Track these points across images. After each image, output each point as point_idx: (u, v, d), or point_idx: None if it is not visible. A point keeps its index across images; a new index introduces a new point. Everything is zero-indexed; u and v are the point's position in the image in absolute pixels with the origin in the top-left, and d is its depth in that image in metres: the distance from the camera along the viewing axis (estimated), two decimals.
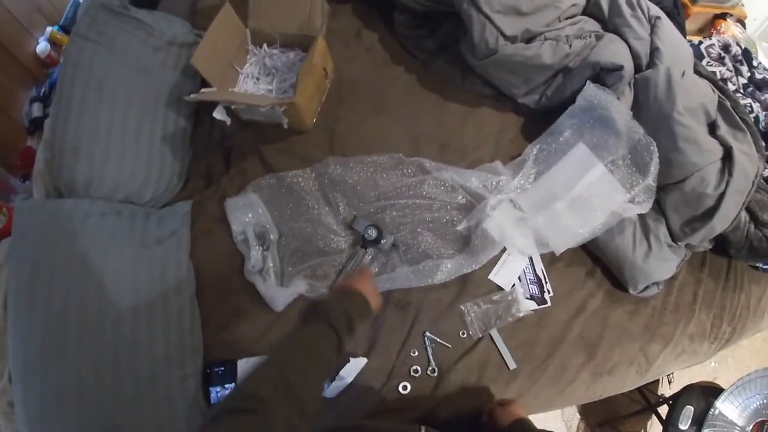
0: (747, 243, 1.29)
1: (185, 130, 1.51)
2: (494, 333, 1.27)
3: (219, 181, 1.46)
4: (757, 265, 1.39)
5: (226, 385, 1.25)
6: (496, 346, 1.27)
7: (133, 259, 1.26)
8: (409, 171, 1.42)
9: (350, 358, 1.23)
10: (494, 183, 1.35)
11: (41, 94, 1.70)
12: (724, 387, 1.44)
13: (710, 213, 1.22)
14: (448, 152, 1.46)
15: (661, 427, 1.55)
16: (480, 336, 1.27)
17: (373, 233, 1.32)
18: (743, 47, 1.53)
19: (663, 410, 1.61)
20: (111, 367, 1.13)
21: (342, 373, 1.22)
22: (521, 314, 1.27)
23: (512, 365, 1.25)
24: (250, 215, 1.38)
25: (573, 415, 1.93)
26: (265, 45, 1.54)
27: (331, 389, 1.21)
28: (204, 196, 1.44)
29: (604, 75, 1.33)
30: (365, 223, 1.35)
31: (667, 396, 1.59)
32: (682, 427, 1.39)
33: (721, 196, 1.20)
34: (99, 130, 1.33)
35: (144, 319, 1.20)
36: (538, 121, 1.46)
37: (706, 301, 1.34)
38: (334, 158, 1.43)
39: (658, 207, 1.30)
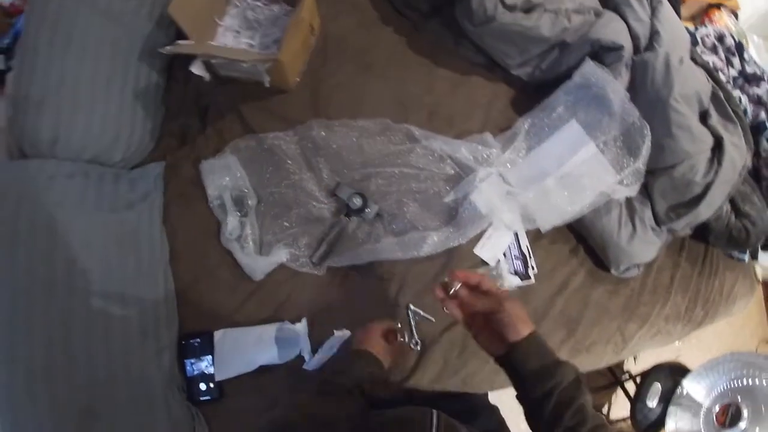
0: (727, 232, 1.33)
1: (158, 86, 1.43)
2: None
3: (194, 142, 1.40)
4: (732, 253, 1.44)
5: (202, 357, 1.23)
6: None
7: (103, 225, 1.20)
8: (397, 138, 1.39)
9: (334, 331, 1.22)
10: (484, 155, 1.34)
11: (4, 46, 1.57)
12: (687, 366, 1.51)
13: (697, 200, 1.25)
14: (437, 120, 1.43)
15: (625, 401, 1.61)
16: None
17: (357, 201, 1.30)
18: (737, 39, 1.54)
19: (629, 386, 1.68)
20: (83, 343, 1.09)
21: (325, 345, 1.21)
22: (506, 288, 1.27)
23: None
24: (228, 179, 1.33)
25: None
26: None
27: (315, 361, 1.21)
28: (177, 157, 1.38)
29: (602, 53, 1.32)
30: (349, 190, 1.32)
31: (633, 373, 1.65)
32: (650, 403, 1.46)
33: (709, 185, 1.23)
34: (65, 82, 1.24)
35: (116, 290, 1.16)
36: (530, 94, 1.45)
37: (683, 284, 1.39)
38: (317, 121, 1.38)
39: (645, 191, 1.32)
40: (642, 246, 1.28)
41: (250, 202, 1.32)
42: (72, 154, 1.26)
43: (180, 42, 1.31)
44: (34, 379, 1.03)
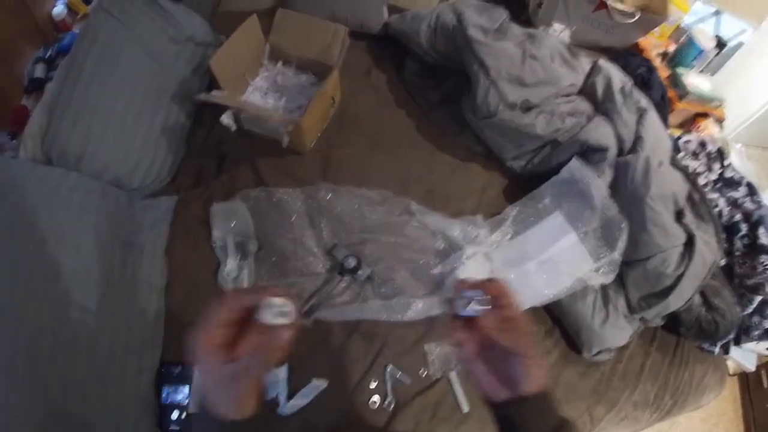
0: (697, 324, 1.43)
1: (184, 127, 1.59)
2: (452, 375, 1.35)
3: (208, 184, 1.53)
4: (703, 345, 1.53)
5: (179, 386, 1.26)
6: (453, 389, 1.34)
7: (110, 243, 1.29)
8: (396, 209, 1.53)
9: (312, 379, 1.28)
10: (473, 235, 1.47)
11: (47, 56, 1.73)
12: None
13: (667, 291, 1.36)
14: (434, 198, 1.57)
15: None
16: (439, 376, 1.34)
17: (352, 262, 1.40)
18: (718, 146, 1.72)
19: None
20: (68, 348, 1.12)
21: (300, 393, 1.26)
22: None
23: (465, 408, 1.32)
24: (234, 223, 1.44)
25: None
26: (280, 62, 1.63)
27: (289, 407, 1.25)
28: (190, 195, 1.50)
29: (589, 153, 1.49)
30: (345, 252, 1.43)
31: None
32: None
33: (679, 278, 1.35)
34: (102, 105, 1.39)
35: (111, 305, 1.22)
36: (521, 184, 1.61)
37: (653, 372, 1.47)
38: (325, 184, 1.51)
39: (620, 280, 1.44)
40: (614, 331, 1.38)
41: (251, 247, 1.42)
42: (95, 171, 1.38)
43: (215, 92, 1.47)
44: (14, 373, 1.05)
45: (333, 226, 1.48)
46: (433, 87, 1.71)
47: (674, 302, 1.37)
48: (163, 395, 1.26)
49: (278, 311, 0.58)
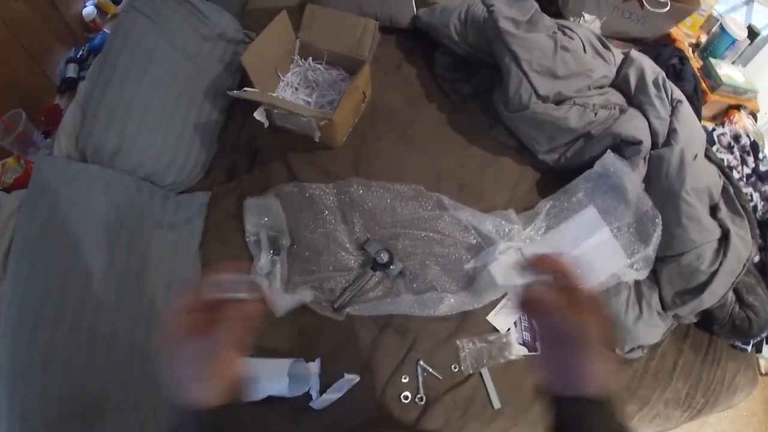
0: (730, 321, 1.43)
1: (217, 123, 1.62)
2: (484, 371, 1.37)
3: (240, 179, 1.56)
4: (735, 343, 1.53)
5: None
6: (485, 385, 1.36)
7: (145, 239, 1.34)
8: (428, 204, 1.54)
9: (345, 374, 1.31)
10: (506, 230, 1.48)
11: (78, 56, 1.79)
12: None
13: (701, 288, 1.36)
14: (466, 193, 1.59)
15: None
16: (471, 372, 1.36)
17: (384, 257, 1.43)
18: (752, 139, 1.71)
19: None
20: (106, 339, 1.16)
21: (333, 387, 1.29)
22: (513, 357, 1.38)
23: (497, 405, 1.34)
24: (267, 218, 1.48)
25: None
26: (310, 58, 1.66)
27: (320, 401, 1.28)
28: (223, 190, 1.54)
29: (623, 146, 1.49)
30: (378, 246, 1.45)
31: None
32: None
33: (714, 274, 1.35)
34: (136, 103, 1.43)
35: (146, 300, 1.25)
36: (554, 178, 1.62)
37: (685, 371, 1.47)
38: (357, 179, 1.54)
39: (654, 276, 1.44)
40: (647, 329, 1.38)
41: (284, 242, 1.46)
42: (129, 167, 1.43)
43: (248, 89, 1.50)
44: (53, 359, 1.09)
45: (365, 221, 1.51)
46: (464, 80, 1.73)
47: (708, 299, 1.37)
48: None
49: (231, 285, 0.59)
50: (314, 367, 1.32)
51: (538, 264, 0.61)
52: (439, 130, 1.69)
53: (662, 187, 1.43)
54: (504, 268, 1.42)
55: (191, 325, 0.57)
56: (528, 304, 0.62)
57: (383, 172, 1.57)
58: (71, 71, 1.74)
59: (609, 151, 1.47)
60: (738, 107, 2.03)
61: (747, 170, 1.68)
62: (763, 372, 1.68)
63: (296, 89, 1.67)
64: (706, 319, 1.48)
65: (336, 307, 1.39)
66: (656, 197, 1.42)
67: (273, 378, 1.29)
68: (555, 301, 0.58)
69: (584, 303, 0.58)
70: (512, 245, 1.44)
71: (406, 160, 1.62)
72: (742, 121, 1.98)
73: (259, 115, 1.47)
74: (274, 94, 1.64)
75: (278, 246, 1.45)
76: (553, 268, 0.60)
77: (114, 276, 1.23)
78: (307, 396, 1.30)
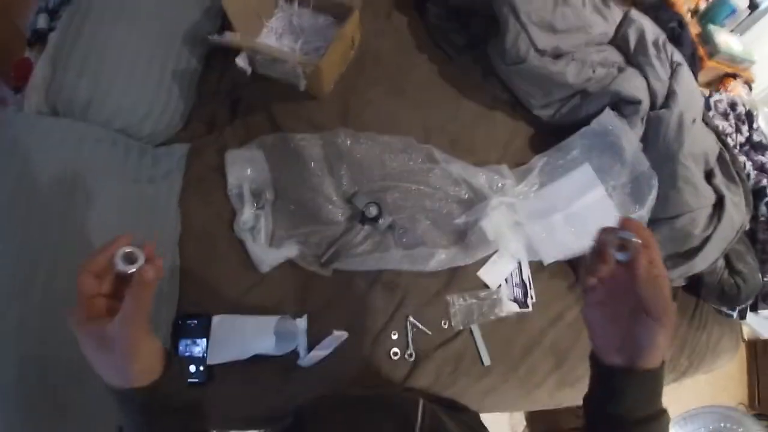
0: (719, 287, 1.46)
1: (196, 71, 1.54)
2: (474, 328, 1.37)
3: (221, 131, 1.50)
4: (722, 309, 1.56)
5: (197, 340, 1.27)
6: (474, 341, 1.36)
7: (122, 194, 1.28)
8: (418, 157, 1.51)
9: (333, 331, 1.28)
10: (499, 185, 1.46)
11: (49, 6, 1.65)
12: None
13: (693, 252, 1.38)
14: (458, 148, 1.55)
15: None
16: (461, 328, 1.36)
17: (373, 211, 1.39)
18: (747, 108, 1.70)
19: None
20: None
21: (320, 344, 1.26)
22: (503, 314, 1.38)
23: (487, 361, 1.35)
24: (250, 171, 1.43)
25: (520, 421, 2.10)
26: (296, 3, 1.58)
27: (308, 359, 1.27)
28: (203, 142, 1.48)
29: (621, 105, 1.48)
30: (366, 199, 1.42)
31: None
32: None
33: (707, 239, 1.37)
34: (110, 50, 1.34)
35: None
36: (548, 134, 1.59)
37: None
38: (345, 130, 1.49)
39: None
40: None
41: (268, 196, 1.41)
42: (103, 120, 1.35)
43: (229, 34, 1.42)
44: (24, 335, 1.06)
45: (353, 173, 1.47)
46: (457, 31, 1.66)
47: (700, 263, 1.39)
48: (180, 348, 1.26)
49: (125, 257, 0.61)
50: (301, 324, 1.31)
51: (628, 224, 0.60)
52: (431, 82, 1.64)
53: (659, 148, 1.42)
54: (496, 223, 1.40)
55: (95, 307, 0.60)
56: (603, 264, 0.60)
57: (372, 123, 1.52)
58: (42, 22, 1.61)
59: (608, 108, 1.45)
60: (733, 76, 2.04)
61: (741, 138, 1.69)
62: (746, 338, 1.72)
63: (280, 36, 1.59)
64: (695, 284, 1.51)
65: (323, 262, 1.36)
66: (652, 159, 1.42)
67: (259, 336, 1.27)
68: (643, 267, 0.56)
69: (663, 277, 0.57)
70: (505, 200, 1.42)
71: (396, 112, 1.56)
72: (736, 90, 1.99)
73: (241, 61, 1.40)
74: (256, 40, 1.56)
75: (262, 199, 1.41)
76: (642, 235, 0.58)
77: (92, 233, 1.18)
78: (295, 354, 1.28)
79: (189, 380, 1.25)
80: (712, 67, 1.96)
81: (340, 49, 1.46)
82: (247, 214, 1.37)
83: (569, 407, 1.47)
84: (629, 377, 0.59)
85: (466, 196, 1.48)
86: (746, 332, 1.73)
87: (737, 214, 1.39)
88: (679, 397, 2.24)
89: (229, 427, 1.40)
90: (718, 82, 2.04)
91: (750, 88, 2.07)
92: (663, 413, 0.61)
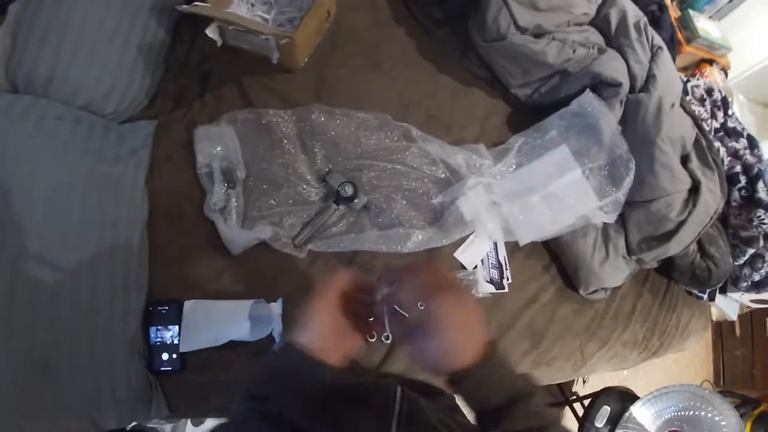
0: (691, 270, 1.51)
1: (162, 44, 1.48)
2: None
3: (190, 106, 1.45)
4: (692, 291, 1.61)
5: (168, 326, 1.25)
6: None
7: (87, 174, 1.23)
8: (395, 135, 1.49)
9: None
10: (477, 164, 1.46)
11: None
12: (636, 393, 1.65)
13: (668, 236, 1.41)
14: (435, 124, 1.54)
15: (571, 420, 1.75)
16: None
17: (348, 190, 1.37)
18: (723, 95, 1.74)
19: (577, 407, 1.82)
20: (48, 290, 1.10)
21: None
22: (479, 296, 1.39)
23: None
24: (220, 148, 1.38)
25: None
26: None
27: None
28: (170, 118, 1.43)
29: (601, 87, 1.48)
30: (341, 178, 1.40)
31: (581, 394, 1.78)
32: (598, 424, 1.59)
33: (682, 223, 1.40)
34: (72, 22, 1.28)
35: (91, 242, 1.18)
36: (525, 114, 1.60)
37: (643, 314, 1.55)
38: (319, 105, 1.46)
39: (621, 221, 1.48)
40: (612, 271, 1.43)
41: (239, 174, 1.38)
42: (65, 96, 1.30)
43: (198, 3, 1.37)
44: None
45: (327, 150, 1.45)
46: (435, 3, 1.64)
47: (674, 247, 1.42)
48: (152, 336, 1.24)
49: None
50: (276, 308, 1.29)
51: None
52: (408, 57, 1.62)
53: (637, 132, 1.44)
54: (473, 203, 1.41)
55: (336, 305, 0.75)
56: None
57: (347, 99, 1.50)
58: None
59: (588, 90, 1.46)
60: (710, 62, 2.07)
61: (716, 124, 1.71)
62: (714, 319, 1.79)
63: (252, 5, 1.54)
64: (667, 266, 1.55)
65: (297, 243, 1.35)
66: (630, 142, 1.44)
67: (233, 321, 1.26)
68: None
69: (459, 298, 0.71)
70: (482, 180, 1.43)
71: (372, 86, 1.54)
72: (713, 76, 2.03)
73: (211, 32, 1.35)
74: (228, 10, 1.51)
75: (233, 178, 1.37)
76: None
77: (54, 220, 1.14)
78: (270, 339, 1.27)
79: (162, 368, 1.23)
80: (689, 53, 1.99)
81: (315, 20, 1.42)
82: (217, 193, 1.34)
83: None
84: (455, 385, 0.70)
85: (443, 175, 1.48)
86: (715, 314, 1.80)
87: (712, 199, 1.42)
88: (648, 375, 2.35)
89: (205, 415, 1.40)
90: (695, 68, 2.07)
91: (726, 75, 2.11)
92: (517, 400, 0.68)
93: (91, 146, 1.28)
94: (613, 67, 1.45)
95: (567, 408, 1.93)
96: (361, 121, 1.48)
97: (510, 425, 0.66)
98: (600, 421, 1.59)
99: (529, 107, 1.60)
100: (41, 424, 1.12)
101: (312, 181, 1.42)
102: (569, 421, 2.04)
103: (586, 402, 1.74)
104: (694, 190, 1.42)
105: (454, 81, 1.61)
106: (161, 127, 1.41)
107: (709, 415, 1.47)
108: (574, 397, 1.90)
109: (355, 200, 1.39)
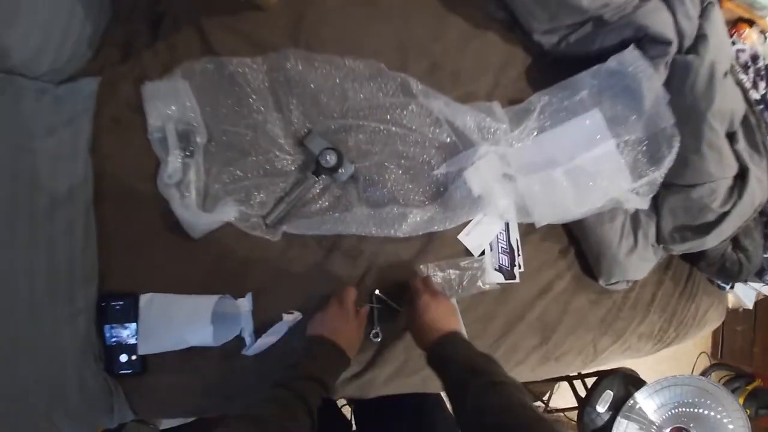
0: (720, 262, 1.35)
1: None
2: (453, 303, 1.21)
3: (140, 56, 1.21)
4: (717, 282, 1.48)
5: (125, 324, 1.12)
6: None
7: (12, 154, 1.03)
8: (390, 88, 1.25)
9: (283, 315, 1.13)
10: (492, 129, 1.22)
11: None
12: (641, 375, 1.57)
13: (707, 228, 1.24)
14: (439, 75, 1.30)
15: (566, 391, 1.69)
16: None
17: (331, 159, 1.17)
18: (767, 62, 1.49)
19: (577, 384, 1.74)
20: None
21: (271, 329, 1.12)
22: (486, 287, 1.23)
23: None
24: (174, 107, 1.17)
25: None
26: None
27: (256, 347, 1.12)
28: (117, 73, 1.20)
29: (646, 44, 1.22)
30: (322, 143, 1.19)
31: (583, 372, 1.70)
32: (600, 409, 1.50)
33: (724, 215, 1.22)
34: None
35: (21, 236, 1.00)
36: (548, 67, 1.34)
37: (662, 303, 1.42)
38: (296, 51, 1.21)
39: (654, 204, 1.29)
40: (638, 263, 1.26)
41: (198, 139, 1.16)
42: None
43: None
44: None
45: (306, 107, 1.22)
46: None
47: (712, 241, 1.26)
48: (106, 335, 1.13)
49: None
50: (244, 304, 1.17)
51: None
52: None
53: (685, 102, 1.20)
54: (484, 175, 1.19)
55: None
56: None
57: (333, 41, 1.24)
58: None
59: (633, 46, 1.20)
60: (749, 22, 1.81)
61: (756, 96, 1.46)
62: (730, 306, 1.69)
63: None
64: (693, 253, 1.37)
65: (268, 223, 1.17)
66: (673, 113, 1.20)
67: (194, 323, 1.12)
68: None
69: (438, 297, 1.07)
70: (495, 149, 1.21)
71: (364, 26, 1.27)
72: (750, 38, 1.78)
73: None
74: None
75: (191, 144, 1.15)
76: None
77: None
78: (239, 341, 1.15)
79: (121, 371, 1.13)
80: (728, 9, 1.72)
81: None
82: (172, 164, 1.13)
83: None
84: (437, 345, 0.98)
85: (449, 139, 1.25)
86: (731, 301, 1.70)
87: (759, 190, 1.23)
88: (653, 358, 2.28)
89: (175, 416, 1.34)
90: (731, 27, 1.81)
91: (765, 38, 1.87)
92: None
93: (18, 121, 1.06)
94: (661, 20, 1.18)
95: (565, 384, 1.84)
96: (349, 69, 1.23)
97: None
98: (602, 406, 1.51)
99: (551, 58, 1.33)
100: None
101: (287, 146, 1.21)
102: (563, 392, 1.99)
103: (588, 381, 1.66)
104: (741, 176, 1.22)
105: (464, 22, 1.32)
106: (105, 84, 1.18)
107: (718, 416, 1.40)
108: (578, 374, 1.81)
109: (340, 170, 1.19)
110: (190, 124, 1.16)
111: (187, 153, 1.15)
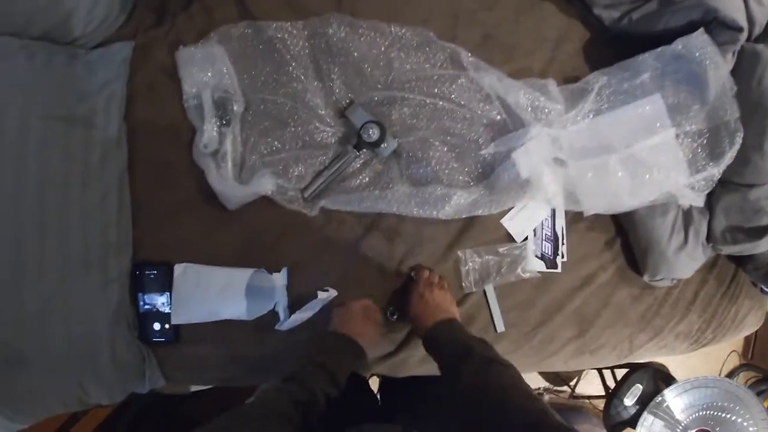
0: None
1: None
2: (489, 289, 1.22)
3: (174, 20, 1.20)
4: (762, 286, 1.44)
5: (158, 293, 1.17)
6: (488, 304, 1.22)
7: (44, 123, 1.06)
8: (438, 59, 1.22)
9: (318, 293, 1.13)
10: (546, 110, 1.18)
11: None
12: (671, 372, 1.57)
13: (760, 232, 1.20)
14: (492, 45, 1.26)
15: (594, 378, 1.71)
16: (473, 290, 1.21)
17: (373, 133, 1.15)
18: None
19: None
20: (9, 273, 1.02)
21: (306, 306, 1.11)
22: (526, 275, 1.21)
23: (501, 328, 1.23)
24: (210, 74, 1.16)
25: None
26: None
27: (289, 323, 1.12)
28: (151, 37, 1.20)
29: (714, 28, 1.15)
30: (365, 116, 1.16)
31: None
32: (627, 402, 1.51)
33: None
34: None
35: (54, 207, 1.03)
36: (607, 44, 1.28)
37: (703, 303, 1.38)
38: (339, 16, 1.18)
39: (708, 200, 1.25)
40: (687, 261, 1.23)
41: (235, 107, 1.15)
42: (14, 27, 1.09)
43: None
44: None
45: (348, 77, 1.20)
46: None
47: (765, 245, 1.21)
48: (140, 304, 1.15)
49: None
50: (279, 279, 1.17)
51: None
52: None
53: (751, 95, 1.14)
54: (533, 157, 1.15)
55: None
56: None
57: (377, 7, 1.21)
58: None
59: (702, 29, 1.14)
60: None
61: None
62: None
63: None
64: (742, 255, 1.34)
65: (306, 197, 1.16)
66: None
67: (228, 296, 1.13)
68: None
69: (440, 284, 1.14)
70: (548, 131, 1.17)
71: None
72: None
73: None
74: None
75: (227, 112, 1.14)
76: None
77: (5, 183, 1.01)
78: (273, 316, 1.16)
79: (154, 339, 1.15)
80: None
81: None
82: (208, 132, 1.12)
83: None
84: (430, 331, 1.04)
85: (499, 117, 1.21)
86: None
87: None
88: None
89: (205, 383, 1.36)
90: None
91: None
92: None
93: (51, 88, 1.08)
94: (733, 4, 1.12)
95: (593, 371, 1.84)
96: (395, 37, 1.20)
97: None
98: (630, 399, 1.52)
99: (611, 34, 1.27)
100: (26, 406, 1.09)
101: (327, 117, 1.19)
102: (591, 378, 1.99)
103: (617, 371, 1.66)
104: None
105: None
106: (139, 49, 1.17)
107: (745, 423, 1.40)
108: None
109: (382, 145, 1.17)
110: (227, 92, 1.15)
111: (224, 122, 1.14)
